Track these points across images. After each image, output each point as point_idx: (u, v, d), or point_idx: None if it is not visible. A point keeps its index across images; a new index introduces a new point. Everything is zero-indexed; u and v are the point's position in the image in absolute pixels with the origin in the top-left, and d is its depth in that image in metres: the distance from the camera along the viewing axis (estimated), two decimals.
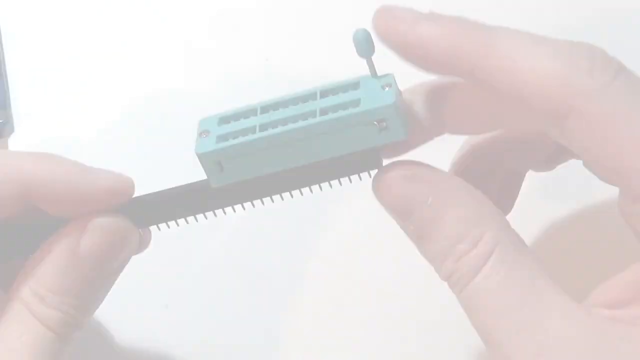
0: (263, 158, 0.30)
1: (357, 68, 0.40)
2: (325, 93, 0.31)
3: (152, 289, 0.38)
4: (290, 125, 0.29)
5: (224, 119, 0.31)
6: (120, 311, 0.38)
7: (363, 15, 0.41)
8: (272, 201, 0.31)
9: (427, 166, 0.29)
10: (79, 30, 0.41)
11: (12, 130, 0.40)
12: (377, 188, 0.29)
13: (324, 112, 0.30)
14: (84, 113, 0.40)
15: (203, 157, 0.30)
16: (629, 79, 0.26)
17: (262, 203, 0.32)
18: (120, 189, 0.31)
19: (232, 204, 0.32)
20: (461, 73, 0.28)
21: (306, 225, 0.39)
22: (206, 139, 0.30)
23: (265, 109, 0.31)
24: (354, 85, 0.31)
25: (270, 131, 0.30)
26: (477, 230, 0.27)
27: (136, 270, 0.39)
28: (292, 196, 0.31)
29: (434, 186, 0.28)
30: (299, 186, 0.31)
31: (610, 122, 0.25)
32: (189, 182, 0.32)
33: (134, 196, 0.32)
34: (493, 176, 0.33)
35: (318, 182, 0.31)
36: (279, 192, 0.31)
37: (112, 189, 0.31)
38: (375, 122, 0.29)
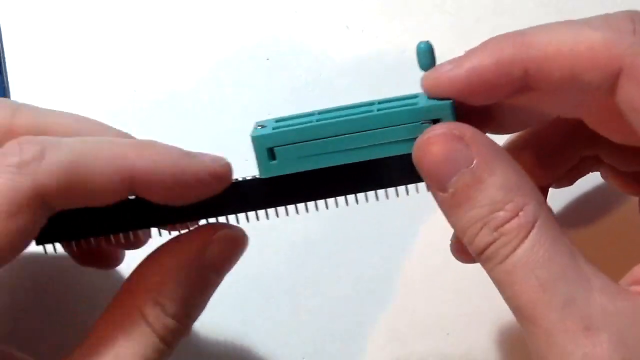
0: (315, 150, 0.29)
1: (357, 68, 0.40)
2: (383, 102, 0.30)
3: None
4: (347, 117, 0.29)
5: (281, 119, 0.31)
6: None
7: (363, 14, 0.41)
8: (317, 209, 0.31)
9: (473, 128, 0.28)
10: (79, 30, 0.41)
11: None
12: (420, 148, 0.28)
13: (381, 109, 0.30)
14: (84, 113, 0.40)
15: (257, 141, 0.29)
16: None
17: (306, 210, 0.31)
18: (223, 172, 0.30)
19: (278, 201, 0.31)
20: (518, 81, 0.28)
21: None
22: (262, 129, 0.30)
23: (324, 112, 0.30)
24: (412, 97, 0.30)
25: (327, 120, 0.29)
26: (519, 199, 0.27)
27: None
28: (336, 205, 0.31)
29: (479, 149, 0.27)
30: (345, 190, 0.30)
31: None
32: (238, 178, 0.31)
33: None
34: None
35: (365, 189, 0.31)
36: (326, 194, 0.30)
37: (217, 172, 0.30)
38: (431, 122, 0.29)
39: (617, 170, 0.33)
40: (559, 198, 0.38)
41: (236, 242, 0.31)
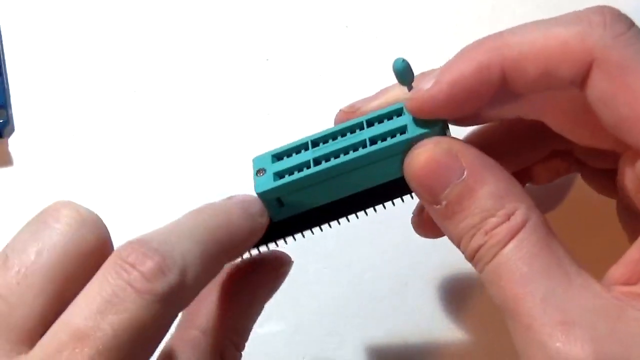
0: (319, 190, 0.31)
1: (357, 68, 0.40)
2: (371, 122, 0.31)
3: None
4: (343, 157, 0.31)
5: (277, 156, 0.32)
6: None
7: (363, 14, 0.41)
8: (330, 226, 0.33)
9: (461, 142, 0.29)
10: (79, 31, 0.41)
11: (12, 130, 0.40)
12: (410, 165, 0.29)
13: (373, 141, 0.30)
14: (84, 113, 0.40)
15: (263, 195, 0.31)
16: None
17: (321, 230, 0.33)
18: (263, 222, 0.31)
19: (291, 234, 0.33)
20: (497, 84, 0.28)
21: None
22: (263, 177, 0.31)
23: (316, 142, 0.32)
24: (398, 111, 0.31)
25: (324, 164, 0.31)
26: (510, 205, 0.28)
27: None
28: (348, 220, 0.33)
29: (469, 160, 0.28)
30: (350, 213, 0.33)
31: (629, 67, 0.26)
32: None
33: None
34: None
35: (367, 207, 0.33)
36: (333, 219, 0.33)
37: (262, 225, 0.31)
38: None
39: (592, 168, 0.34)
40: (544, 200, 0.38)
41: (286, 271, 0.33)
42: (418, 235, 0.35)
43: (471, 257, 0.28)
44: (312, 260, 0.38)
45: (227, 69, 0.41)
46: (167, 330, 0.26)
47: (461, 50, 0.28)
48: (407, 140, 0.30)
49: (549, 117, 0.30)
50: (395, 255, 0.38)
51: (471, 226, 0.28)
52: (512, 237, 0.27)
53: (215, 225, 0.29)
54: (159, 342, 0.26)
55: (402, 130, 0.30)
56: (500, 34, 0.28)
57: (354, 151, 0.31)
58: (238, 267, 0.32)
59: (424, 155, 0.29)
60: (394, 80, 0.38)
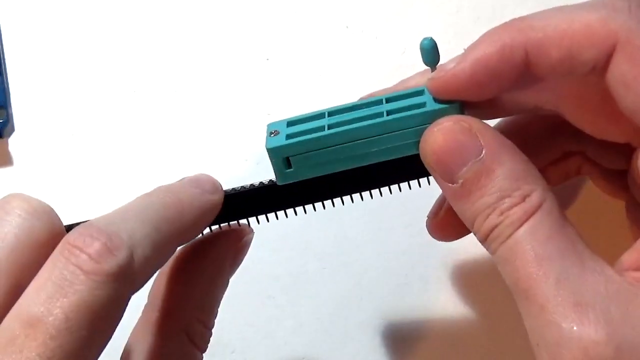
0: (330, 156, 0.30)
1: (357, 68, 0.40)
2: (390, 99, 0.31)
3: None
4: (358, 124, 0.30)
5: (292, 122, 0.31)
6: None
7: (363, 14, 0.41)
8: (333, 205, 0.32)
9: (480, 121, 0.29)
10: (79, 31, 0.41)
11: (12, 130, 0.40)
12: (428, 141, 0.29)
13: (390, 113, 0.30)
14: (83, 113, 0.40)
15: (273, 152, 0.30)
16: None
17: (323, 207, 0.32)
18: (220, 199, 0.31)
19: (294, 205, 0.32)
20: (520, 66, 0.28)
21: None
22: (276, 137, 0.31)
23: (333, 113, 0.31)
24: (419, 92, 0.31)
25: (339, 128, 0.30)
26: (527, 187, 0.28)
27: None
28: (352, 200, 0.32)
29: (487, 140, 0.28)
30: (355, 191, 0.32)
31: None
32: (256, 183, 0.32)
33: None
34: None
35: (376, 186, 0.32)
36: (340, 194, 0.32)
37: (217, 202, 0.31)
38: None
39: (603, 169, 0.34)
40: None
41: (247, 244, 0.32)
42: (418, 235, 0.35)
43: (485, 237, 0.28)
44: (312, 260, 0.38)
45: (227, 68, 0.41)
46: (122, 311, 0.25)
47: (485, 33, 0.28)
48: (425, 113, 0.29)
49: (567, 107, 0.30)
50: (395, 255, 0.38)
51: (487, 205, 0.28)
52: (527, 218, 0.27)
53: (162, 204, 0.28)
54: (115, 323, 0.25)
55: (421, 105, 0.30)
56: (525, 17, 0.28)
57: (370, 120, 0.30)
58: (195, 244, 0.31)
59: (443, 132, 0.29)
60: (395, 81, 0.39)
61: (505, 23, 0.28)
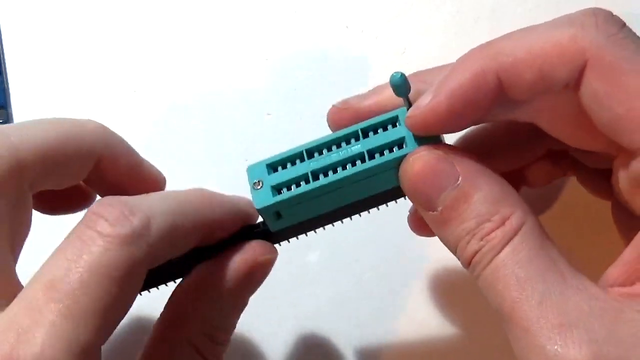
0: (317, 202, 0.31)
1: (357, 68, 0.40)
2: (366, 132, 0.31)
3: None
4: (342, 172, 0.31)
5: (272, 166, 0.32)
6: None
7: (363, 14, 0.41)
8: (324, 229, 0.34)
9: (456, 147, 0.29)
10: (79, 31, 0.41)
11: None
12: (406, 172, 0.30)
13: (371, 154, 0.31)
14: (84, 113, 0.40)
15: (263, 211, 0.31)
16: (633, 32, 0.27)
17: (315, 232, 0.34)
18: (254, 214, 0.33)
19: (287, 239, 0.34)
20: (494, 92, 0.28)
21: None
22: (261, 190, 0.31)
23: (311, 152, 0.32)
24: (393, 120, 0.31)
25: (323, 180, 0.31)
26: (505, 209, 0.28)
27: None
28: (342, 222, 0.34)
29: (463, 166, 0.29)
30: (346, 217, 0.33)
31: (621, 66, 0.26)
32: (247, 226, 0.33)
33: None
34: None
35: (363, 211, 0.33)
36: (329, 223, 0.34)
37: (251, 215, 0.33)
38: None
39: (588, 169, 0.34)
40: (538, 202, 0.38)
41: (272, 262, 0.33)
42: (418, 235, 0.35)
43: (467, 263, 0.29)
44: (312, 260, 0.38)
45: (227, 68, 0.41)
46: (137, 278, 0.27)
47: (456, 62, 0.29)
48: (405, 155, 0.30)
49: (543, 121, 0.30)
50: (395, 256, 0.38)
51: (467, 232, 0.29)
52: (507, 241, 0.28)
53: (188, 193, 0.30)
54: (131, 289, 0.27)
55: (400, 143, 0.30)
56: (493, 41, 0.28)
57: (352, 165, 0.31)
58: (216, 263, 0.32)
59: (419, 162, 0.29)
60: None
61: (474, 49, 0.28)
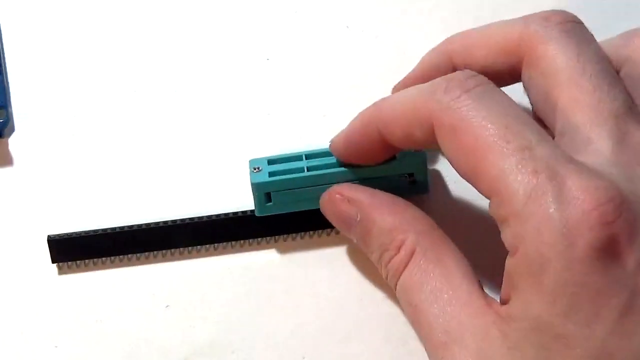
0: (306, 195, 0.35)
1: (357, 68, 0.40)
2: None
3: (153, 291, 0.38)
4: (334, 169, 0.35)
5: (273, 161, 0.36)
6: (120, 311, 0.38)
7: (363, 14, 0.41)
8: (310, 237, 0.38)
9: (359, 188, 0.34)
10: (79, 30, 0.41)
11: (12, 130, 0.40)
12: (322, 209, 0.35)
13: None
14: (84, 113, 0.40)
15: (257, 186, 0.35)
16: (483, 92, 0.29)
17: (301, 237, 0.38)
18: None
19: (272, 234, 0.37)
20: (378, 140, 0.33)
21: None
22: (259, 173, 0.35)
23: (310, 156, 0.36)
24: None
25: (317, 171, 0.35)
26: (399, 237, 0.32)
27: (139, 275, 0.39)
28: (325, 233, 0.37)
29: (360, 205, 0.33)
30: (322, 227, 0.37)
31: (458, 128, 0.28)
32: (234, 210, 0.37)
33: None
34: None
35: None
36: (307, 230, 0.37)
37: None
38: (406, 176, 0.35)
39: None
40: None
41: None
42: None
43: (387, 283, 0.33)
44: (312, 260, 0.38)
45: (227, 68, 0.41)
46: None
47: (360, 112, 0.33)
48: (391, 167, 0.35)
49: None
50: None
51: (376, 260, 0.33)
52: (404, 267, 0.31)
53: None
54: None
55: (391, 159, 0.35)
56: (381, 100, 0.32)
57: (343, 166, 0.35)
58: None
59: (324, 207, 0.35)
60: (395, 81, 0.39)
61: (370, 106, 0.33)
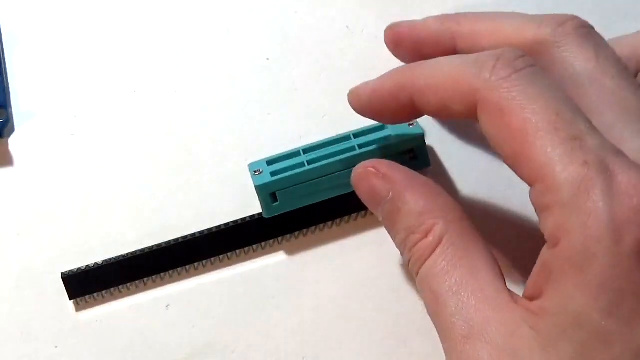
0: (311, 189, 0.35)
1: (357, 68, 0.40)
2: (357, 135, 0.36)
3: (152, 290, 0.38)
4: (335, 158, 0.35)
5: (271, 161, 0.36)
6: (120, 311, 0.38)
7: (363, 15, 0.41)
8: (304, 236, 0.37)
9: (395, 166, 0.33)
10: (80, 30, 0.41)
11: (12, 130, 0.40)
12: (353, 180, 0.34)
13: (361, 146, 0.35)
14: (84, 113, 0.40)
15: (261, 188, 0.35)
16: (531, 75, 0.28)
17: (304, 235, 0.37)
18: None
19: (281, 235, 0.37)
20: (408, 105, 0.32)
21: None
22: (261, 175, 0.35)
23: (307, 150, 0.36)
24: (381, 127, 0.36)
25: (318, 163, 0.35)
26: (429, 221, 0.30)
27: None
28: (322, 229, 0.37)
29: (394, 183, 0.32)
30: (329, 220, 0.37)
31: (506, 108, 0.28)
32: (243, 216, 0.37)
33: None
34: None
35: (347, 214, 0.37)
36: (313, 225, 0.37)
37: None
38: (407, 153, 0.35)
39: None
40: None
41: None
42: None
43: (408, 268, 0.32)
44: (312, 260, 0.38)
45: (227, 68, 0.41)
46: None
47: (391, 70, 0.33)
48: (392, 145, 0.35)
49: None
50: (396, 256, 0.38)
51: (400, 242, 0.32)
52: (430, 254, 0.30)
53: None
54: None
55: (386, 137, 0.35)
56: (415, 64, 0.32)
57: (344, 154, 0.35)
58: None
59: (355, 179, 0.33)
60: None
61: (404, 66, 0.32)
